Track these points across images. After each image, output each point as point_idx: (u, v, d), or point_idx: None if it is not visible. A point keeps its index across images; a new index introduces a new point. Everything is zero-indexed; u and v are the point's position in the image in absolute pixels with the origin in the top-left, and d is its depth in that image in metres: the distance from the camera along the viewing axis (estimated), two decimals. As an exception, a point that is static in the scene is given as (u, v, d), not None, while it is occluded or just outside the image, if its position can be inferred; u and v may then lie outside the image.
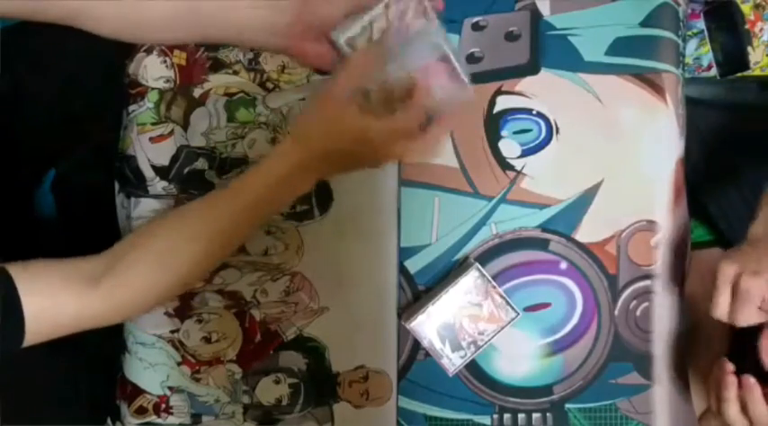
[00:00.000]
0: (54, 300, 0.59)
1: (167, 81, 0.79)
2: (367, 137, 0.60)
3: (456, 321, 0.73)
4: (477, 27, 0.77)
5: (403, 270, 0.76)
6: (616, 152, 0.75)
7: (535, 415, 0.75)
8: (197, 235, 0.63)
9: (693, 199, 0.98)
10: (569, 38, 0.75)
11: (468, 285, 0.73)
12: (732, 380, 0.67)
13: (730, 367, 0.68)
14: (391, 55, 0.60)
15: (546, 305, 0.75)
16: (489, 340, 0.73)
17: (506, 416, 0.75)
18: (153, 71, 0.79)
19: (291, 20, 0.60)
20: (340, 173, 0.64)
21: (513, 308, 0.73)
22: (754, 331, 0.70)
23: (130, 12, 0.65)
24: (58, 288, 0.60)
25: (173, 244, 0.63)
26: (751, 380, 0.66)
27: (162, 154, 0.78)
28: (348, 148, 0.61)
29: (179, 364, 0.77)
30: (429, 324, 0.73)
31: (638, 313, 0.74)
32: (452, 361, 0.73)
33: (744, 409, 0.66)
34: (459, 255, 0.75)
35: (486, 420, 0.75)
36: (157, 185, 0.78)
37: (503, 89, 0.76)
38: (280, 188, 0.62)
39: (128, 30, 0.67)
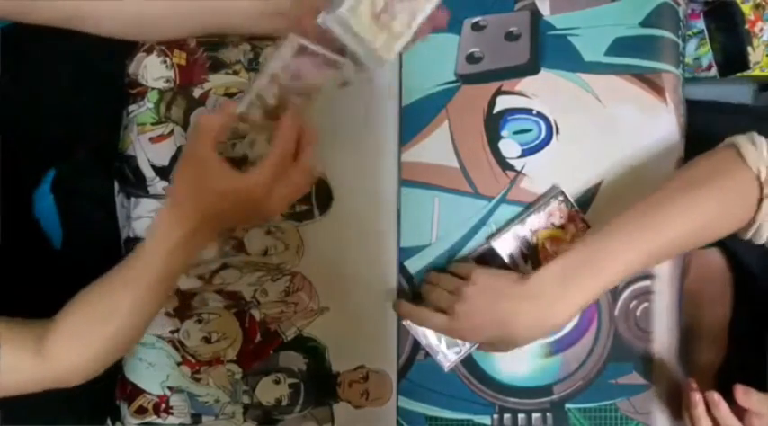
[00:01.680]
0: (17, 363, 0.61)
1: (167, 81, 0.79)
2: (242, 193, 0.61)
3: None
4: (477, 27, 0.77)
5: (403, 270, 0.76)
6: (616, 152, 0.75)
7: (535, 415, 0.75)
8: (108, 317, 0.64)
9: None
10: (569, 38, 0.76)
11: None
12: (698, 398, 0.67)
13: (694, 384, 0.68)
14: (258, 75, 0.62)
15: (546, 305, 0.75)
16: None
17: (506, 416, 0.75)
18: (153, 71, 0.79)
19: (292, 2, 0.60)
20: (233, 226, 0.66)
21: None
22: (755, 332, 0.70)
23: (129, 9, 0.65)
24: (21, 350, 0.62)
25: (89, 324, 0.65)
26: (715, 396, 0.66)
27: (162, 154, 0.78)
28: (228, 207, 0.62)
29: (179, 364, 0.77)
30: None
31: (638, 313, 0.74)
32: (448, 357, 0.73)
33: (716, 424, 0.66)
34: (460, 255, 0.75)
35: (486, 420, 0.75)
36: (157, 185, 0.78)
37: (503, 89, 0.76)
38: (173, 258, 0.63)
39: (127, 28, 0.67)
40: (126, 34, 0.68)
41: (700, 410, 0.67)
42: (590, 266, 0.64)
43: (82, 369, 0.66)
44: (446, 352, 0.73)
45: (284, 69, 0.62)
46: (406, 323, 0.73)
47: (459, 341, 0.73)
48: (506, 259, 0.73)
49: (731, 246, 0.94)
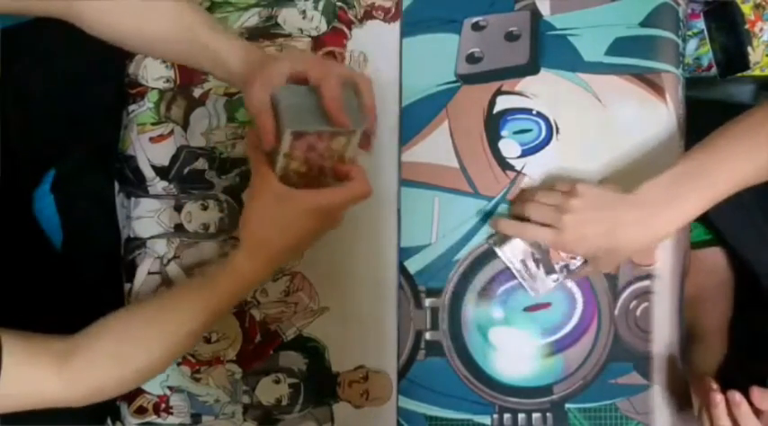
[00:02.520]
0: (20, 375, 0.59)
1: (167, 81, 0.79)
2: (320, 209, 0.62)
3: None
4: (477, 27, 0.77)
5: (403, 270, 0.76)
6: (616, 152, 0.75)
7: (535, 415, 0.75)
8: (159, 335, 0.64)
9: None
10: (569, 38, 0.76)
11: None
12: (720, 398, 0.67)
13: (714, 385, 0.68)
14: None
15: (546, 305, 0.75)
16: (583, 263, 0.72)
17: (506, 416, 0.75)
18: (153, 71, 0.79)
19: (253, 68, 0.62)
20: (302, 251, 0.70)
21: None
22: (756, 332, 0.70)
23: (128, 23, 0.66)
24: (26, 364, 0.60)
25: (130, 348, 0.64)
26: (737, 396, 0.66)
27: (162, 154, 0.78)
28: (309, 229, 0.63)
29: (179, 364, 0.77)
30: (519, 247, 0.73)
31: (638, 313, 0.74)
32: (545, 284, 0.73)
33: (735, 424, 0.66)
34: (459, 255, 0.75)
35: (486, 420, 0.75)
36: (157, 185, 0.78)
37: (503, 89, 0.76)
38: (246, 291, 0.68)
39: (125, 40, 0.67)
40: (123, 45, 0.68)
41: (720, 409, 0.66)
42: (703, 176, 0.64)
43: (100, 394, 0.65)
44: (544, 279, 0.73)
45: (293, 151, 0.62)
46: (500, 250, 0.73)
47: (557, 268, 0.73)
48: (518, 264, 0.73)
49: (736, 246, 0.94)
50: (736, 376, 0.94)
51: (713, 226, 0.98)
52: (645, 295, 0.74)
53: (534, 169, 0.75)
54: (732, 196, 0.94)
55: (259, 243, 0.64)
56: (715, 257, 1.06)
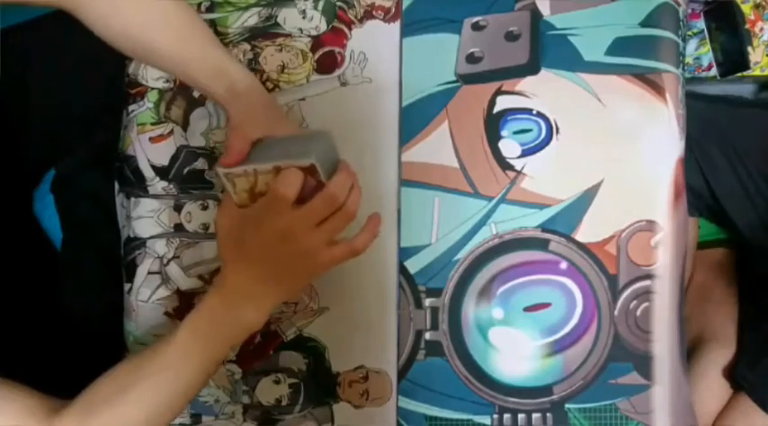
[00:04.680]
0: None
1: (167, 81, 0.79)
2: (283, 227, 0.59)
3: None
4: (477, 27, 0.77)
5: (403, 270, 0.76)
6: (616, 152, 0.74)
7: (535, 415, 0.75)
8: (154, 401, 0.62)
9: (700, 196, 0.99)
10: (569, 38, 0.75)
11: None
12: None
13: None
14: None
15: (546, 305, 0.75)
16: None
17: (506, 416, 0.75)
18: (153, 71, 0.79)
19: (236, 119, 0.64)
20: (285, 289, 0.63)
21: None
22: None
23: (135, 34, 0.66)
24: (19, 419, 0.58)
25: (130, 408, 0.61)
26: None
27: (162, 154, 0.78)
28: (272, 252, 0.60)
29: (179, 364, 0.77)
30: None
31: (638, 313, 0.74)
32: None
33: None
34: (459, 255, 0.75)
35: (486, 420, 0.75)
36: (157, 185, 0.78)
37: (503, 89, 0.76)
38: (226, 330, 0.62)
39: (127, 44, 0.67)
40: (121, 49, 0.68)
41: None
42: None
43: None
44: None
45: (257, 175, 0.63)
46: None
47: None
48: None
49: (754, 243, 0.95)
50: (746, 376, 0.94)
51: (730, 222, 0.98)
52: (645, 295, 0.74)
53: (534, 169, 0.75)
54: (748, 194, 0.95)
55: (221, 278, 0.62)
56: (722, 256, 1.06)
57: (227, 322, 0.62)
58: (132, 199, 0.78)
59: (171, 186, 0.78)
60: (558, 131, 0.75)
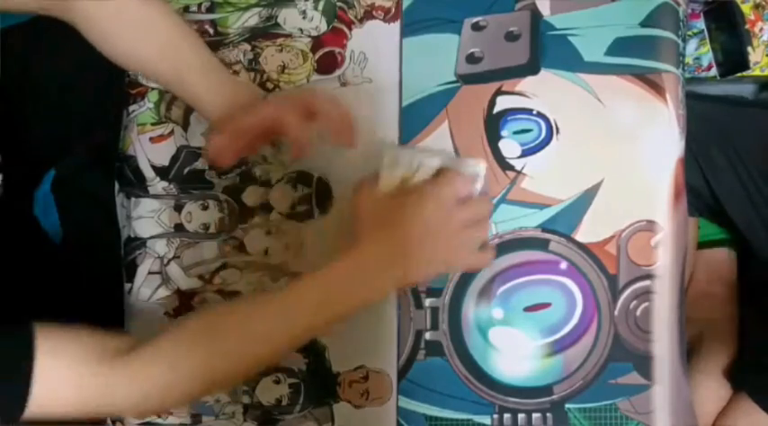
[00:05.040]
0: (70, 375, 0.55)
1: (167, 81, 0.79)
2: (440, 217, 0.62)
3: None
4: (477, 27, 0.77)
5: (403, 270, 0.76)
6: (616, 152, 0.74)
7: (535, 415, 0.75)
8: (241, 337, 0.60)
9: (700, 196, 0.99)
10: (569, 38, 0.75)
11: None
12: None
13: None
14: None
15: (546, 305, 0.75)
16: None
17: (506, 416, 0.75)
18: (153, 71, 0.79)
19: (223, 122, 0.66)
20: (416, 271, 0.63)
21: None
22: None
23: (126, 44, 0.67)
24: (78, 363, 0.56)
25: (210, 340, 0.60)
26: None
27: (162, 154, 0.78)
28: (422, 234, 0.62)
29: (179, 364, 0.77)
30: None
31: (638, 313, 0.74)
32: None
33: None
34: (460, 255, 0.75)
35: (486, 420, 0.75)
36: (157, 185, 0.78)
37: (503, 89, 0.76)
38: (360, 280, 0.63)
39: (117, 57, 0.68)
40: (114, 59, 0.69)
41: None
42: None
43: (155, 400, 0.59)
44: None
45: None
46: None
47: None
48: None
49: (755, 246, 0.94)
50: (746, 376, 0.94)
51: (729, 222, 0.98)
52: (645, 295, 0.74)
53: (534, 169, 0.75)
54: (748, 194, 0.95)
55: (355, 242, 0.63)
56: (722, 256, 1.06)
57: (354, 285, 0.62)
58: (132, 199, 0.78)
59: (171, 186, 0.78)
60: (558, 131, 0.75)
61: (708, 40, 1.10)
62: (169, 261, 0.78)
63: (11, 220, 0.85)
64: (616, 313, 0.74)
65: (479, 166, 0.67)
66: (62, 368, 0.55)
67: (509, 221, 0.75)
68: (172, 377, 0.58)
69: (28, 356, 0.53)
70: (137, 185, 0.78)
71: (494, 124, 0.75)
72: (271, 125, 0.65)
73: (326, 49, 0.78)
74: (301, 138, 0.65)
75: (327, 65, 0.78)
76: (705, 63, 1.11)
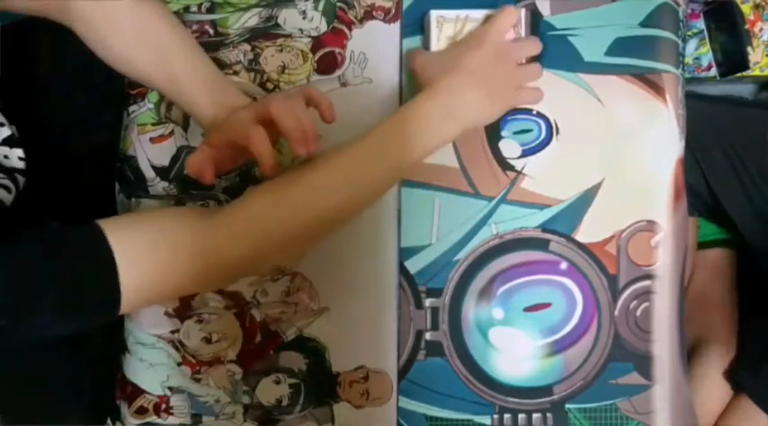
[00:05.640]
0: (158, 259, 0.57)
1: (167, 81, 0.79)
2: (497, 51, 0.69)
3: None
4: (477, 27, 0.77)
5: (403, 270, 0.76)
6: (616, 152, 0.75)
7: (535, 415, 0.75)
8: (332, 180, 0.64)
9: (700, 196, 0.99)
10: (569, 38, 0.76)
11: None
12: None
13: None
14: None
15: (546, 305, 0.75)
16: None
17: (506, 416, 0.75)
18: (153, 71, 0.79)
19: (215, 127, 0.66)
20: (489, 106, 0.69)
21: None
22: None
23: (121, 50, 0.67)
24: (162, 231, 0.58)
25: (302, 186, 0.63)
26: None
27: (162, 154, 0.78)
28: (486, 67, 0.68)
29: (179, 364, 0.77)
30: None
31: (638, 313, 0.74)
32: None
33: None
34: (460, 255, 0.75)
35: (486, 420, 0.75)
36: (158, 186, 0.78)
37: (503, 89, 0.76)
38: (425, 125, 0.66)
39: (115, 62, 0.68)
40: (110, 63, 0.69)
41: None
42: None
43: (267, 241, 0.62)
44: None
45: None
46: None
47: None
48: None
49: (754, 245, 0.94)
50: (746, 377, 0.94)
51: (729, 222, 0.98)
52: (645, 295, 0.74)
53: (534, 169, 0.75)
54: (747, 194, 0.94)
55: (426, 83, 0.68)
56: (722, 256, 1.06)
57: (434, 118, 0.66)
58: (133, 199, 0.78)
59: (171, 186, 0.78)
60: (558, 131, 0.75)
61: (708, 40, 1.10)
62: (169, 261, 0.78)
63: (10, 221, 0.85)
64: (616, 313, 0.74)
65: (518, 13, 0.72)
66: (146, 247, 0.57)
67: (509, 221, 0.75)
68: (276, 214, 0.62)
69: (105, 248, 0.54)
70: (137, 185, 0.78)
71: (494, 124, 0.75)
72: (237, 140, 0.63)
73: (326, 50, 0.78)
74: (260, 154, 0.61)
75: (327, 65, 0.78)
76: (705, 63, 1.11)
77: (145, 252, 0.57)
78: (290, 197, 0.63)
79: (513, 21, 0.70)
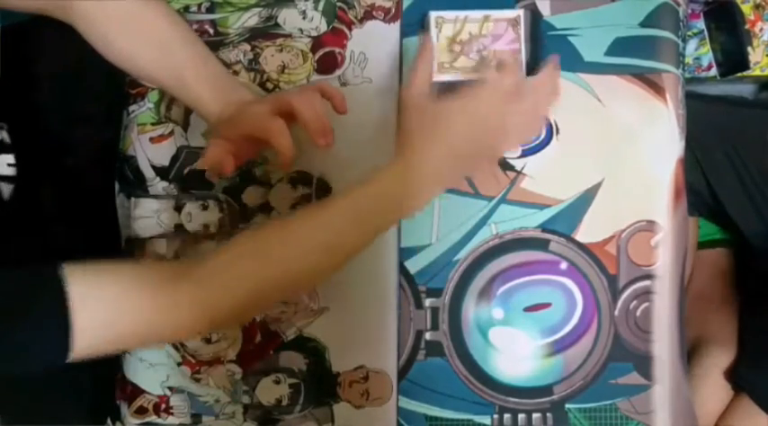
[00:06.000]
0: (118, 306, 0.54)
1: (167, 81, 0.79)
2: (474, 110, 0.62)
3: None
4: (477, 27, 0.76)
5: (403, 270, 0.76)
6: (616, 152, 0.74)
7: (535, 415, 0.75)
8: (301, 242, 0.60)
9: (700, 195, 0.99)
10: (569, 38, 0.75)
11: None
12: None
13: None
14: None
15: (546, 305, 0.75)
16: None
17: (506, 416, 0.75)
18: (153, 71, 0.79)
19: (222, 123, 0.66)
20: (465, 169, 0.67)
21: None
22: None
23: (123, 46, 0.67)
24: (125, 291, 0.54)
25: (273, 244, 0.59)
26: None
27: (162, 154, 0.78)
28: (462, 134, 0.62)
29: (179, 364, 0.77)
30: None
31: (638, 313, 0.74)
32: None
33: None
34: (460, 255, 0.75)
35: (486, 420, 0.75)
36: (158, 185, 0.78)
37: (503, 89, 0.76)
38: (394, 201, 0.62)
39: (117, 59, 0.68)
40: (112, 61, 0.69)
41: None
42: None
43: (229, 311, 0.58)
44: None
45: None
46: None
47: None
48: None
49: (754, 244, 0.94)
50: (747, 377, 0.94)
51: (729, 222, 0.98)
52: (645, 295, 0.74)
53: (534, 169, 0.75)
54: (748, 193, 0.94)
55: (407, 149, 0.63)
56: (722, 256, 1.06)
57: (398, 199, 0.62)
58: (133, 199, 0.78)
59: (171, 186, 0.78)
60: (557, 131, 0.75)
61: (708, 40, 1.10)
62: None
63: (11, 221, 0.85)
64: (616, 313, 0.74)
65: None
66: (106, 306, 0.54)
67: (509, 221, 0.75)
68: (240, 277, 0.58)
69: (61, 299, 0.51)
70: (137, 185, 0.78)
71: (494, 124, 0.75)
72: (255, 133, 0.64)
73: (326, 49, 0.78)
74: (281, 146, 0.62)
75: (327, 65, 0.78)
76: (705, 63, 1.11)
77: (108, 299, 0.54)
78: (261, 259, 0.59)
79: (515, 70, 0.66)
